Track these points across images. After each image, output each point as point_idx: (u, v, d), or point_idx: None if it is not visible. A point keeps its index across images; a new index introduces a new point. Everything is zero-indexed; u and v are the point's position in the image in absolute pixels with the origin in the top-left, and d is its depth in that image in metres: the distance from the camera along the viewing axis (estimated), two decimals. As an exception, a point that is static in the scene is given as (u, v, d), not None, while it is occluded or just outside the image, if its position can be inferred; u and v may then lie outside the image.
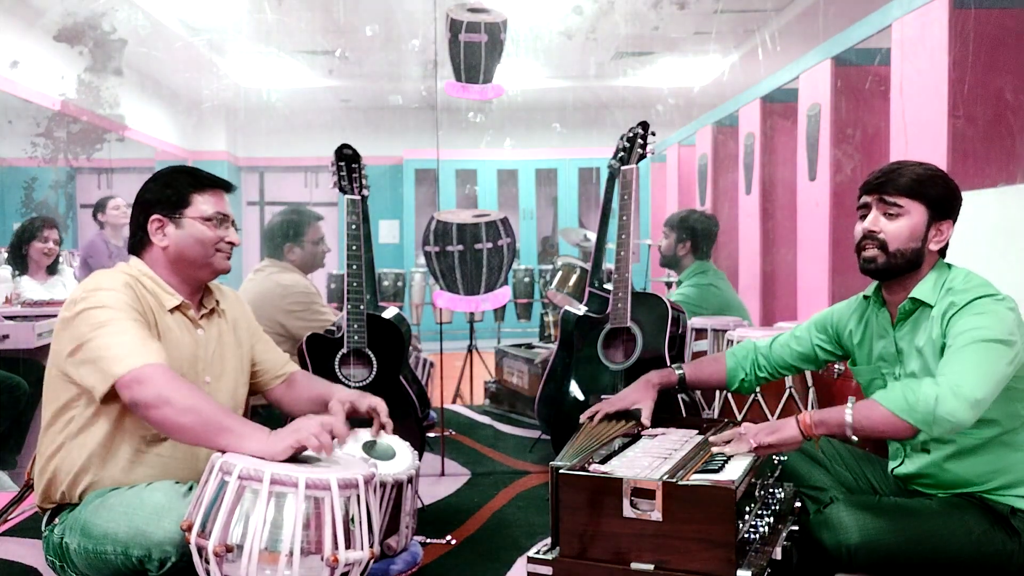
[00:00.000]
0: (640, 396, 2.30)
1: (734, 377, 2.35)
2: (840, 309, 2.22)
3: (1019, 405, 1.91)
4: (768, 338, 2.38)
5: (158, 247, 2.03)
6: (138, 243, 2.06)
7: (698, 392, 3.19)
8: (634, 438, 2.16)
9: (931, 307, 1.95)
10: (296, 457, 1.75)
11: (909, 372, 1.99)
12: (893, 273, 2.00)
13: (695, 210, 4.22)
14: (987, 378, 1.77)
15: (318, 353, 2.89)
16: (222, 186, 2.10)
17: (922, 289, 1.97)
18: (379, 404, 2.12)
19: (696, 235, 4.05)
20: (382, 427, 2.12)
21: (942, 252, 2.01)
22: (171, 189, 2.04)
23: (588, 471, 1.79)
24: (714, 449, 1.94)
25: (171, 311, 2.01)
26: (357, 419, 2.14)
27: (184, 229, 2.02)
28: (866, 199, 2.01)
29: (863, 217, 2.01)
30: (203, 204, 2.04)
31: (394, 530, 2.05)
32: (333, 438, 1.78)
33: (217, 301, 2.15)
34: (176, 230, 2.02)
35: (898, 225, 1.95)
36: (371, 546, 1.65)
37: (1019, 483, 1.92)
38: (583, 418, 2.32)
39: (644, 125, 3.07)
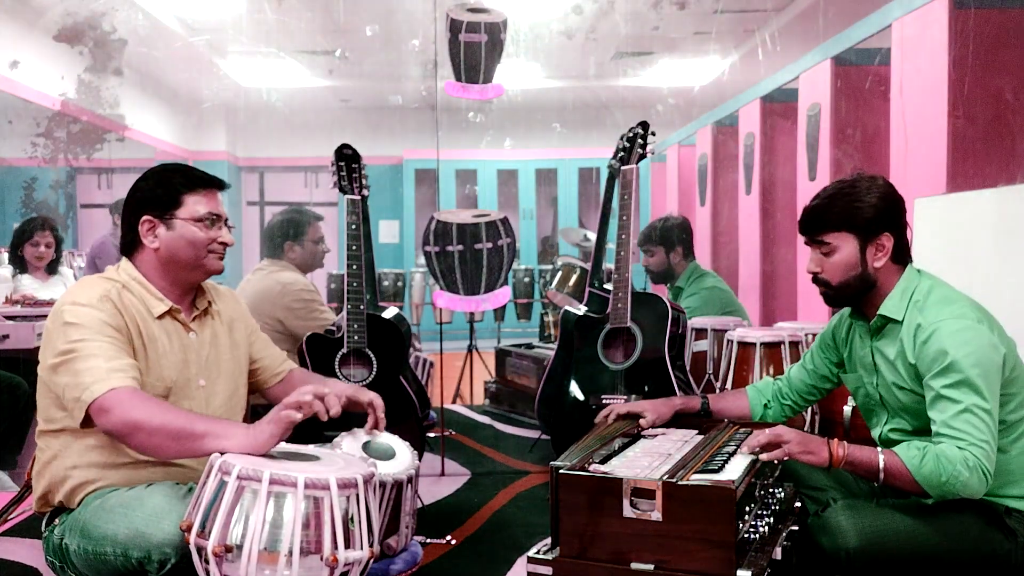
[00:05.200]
0: (654, 407, 2.26)
1: (757, 406, 2.32)
2: (834, 321, 2.24)
3: (1007, 410, 1.92)
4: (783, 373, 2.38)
5: (149, 249, 1.99)
6: (129, 244, 2.02)
7: (698, 392, 3.18)
8: (634, 438, 2.16)
9: (899, 322, 1.98)
10: (296, 455, 1.75)
11: (890, 383, 2.01)
12: (851, 300, 2.06)
13: (667, 217, 4.18)
14: (996, 442, 1.84)
15: (318, 353, 2.89)
16: (215, 185, 2.05)
17: (888, 305, 2.00)
18: (376, 399, 2.09)
19: (683, 239, 4.03)
20: (376, 424, 2.10)
21: (901, 259, 2.02)
22: (162, 189, 1.99)
23: (588, 471, 1.79)
24: (746, 450, 1.93)
25: (159, 317, 1.97)
26: (356, 417, 2.14)
27: (175, 230, 1.98)
28: (803, 239, 2.07)
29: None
30: (195, 204, 1.99)
31: (394, 530, 2.05)
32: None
33: (211, 302, 2.11)
34: (167, 232, 1.98)
35: (832, 261, 2.00)
36: (371, 546, 1.65)
37: (1011, 484, 1.93)
38: (599, 419, 2.29)
39: (644, 125, 3.07)
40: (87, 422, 1.79)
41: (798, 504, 2.03)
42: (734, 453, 1.94)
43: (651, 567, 1.70)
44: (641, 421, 2.22)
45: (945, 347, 1.85)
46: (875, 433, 2.13)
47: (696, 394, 2.38)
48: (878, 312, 2.01)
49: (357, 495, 1.63)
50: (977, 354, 1.83)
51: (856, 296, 2.03)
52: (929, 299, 1.95)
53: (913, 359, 1.93)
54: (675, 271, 4.04)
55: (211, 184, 2.04)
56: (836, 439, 1.91)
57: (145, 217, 1.99)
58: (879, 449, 1.89)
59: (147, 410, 1.76)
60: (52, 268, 4.46)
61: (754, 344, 3.05)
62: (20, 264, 4.38)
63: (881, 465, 1.86)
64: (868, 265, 1.99)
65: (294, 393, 1.78)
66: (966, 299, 1.96)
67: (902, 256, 2.02)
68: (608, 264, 3.18)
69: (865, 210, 1.96)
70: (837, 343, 2.21)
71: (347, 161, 2.97)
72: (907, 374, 1.96)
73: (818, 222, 2.01)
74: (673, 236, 4.01)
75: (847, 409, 2.90)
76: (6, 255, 4.62)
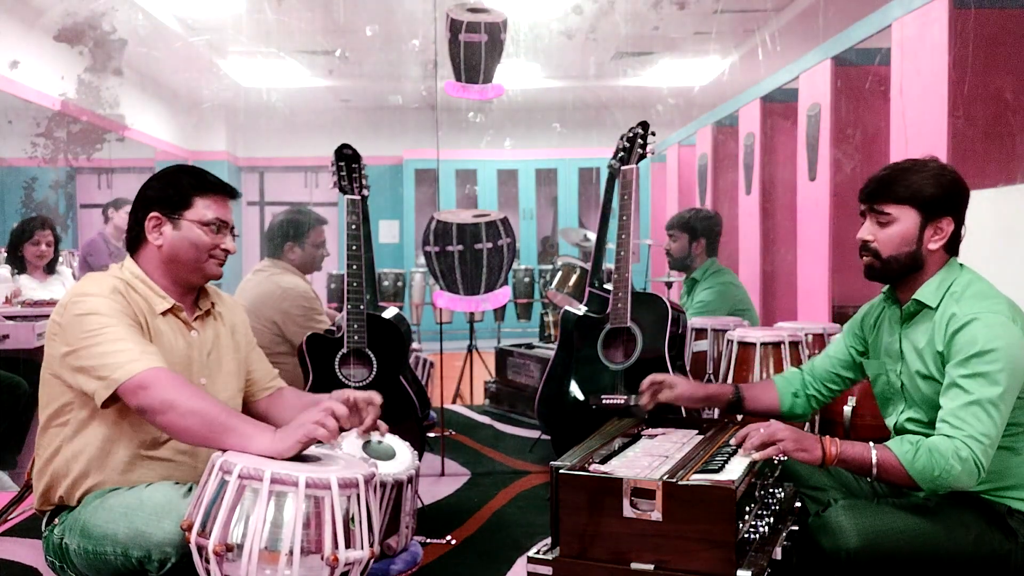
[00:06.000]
0: (687, 386, 2.27)
1: (785, 397, 2.30)
2: (864, 308, 2.23)
3: (1021, 413, 1.91)
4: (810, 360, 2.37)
5: (153, 245, 2.00)
6: (134, 240, 2.04)
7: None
8: (634, 438, 2.16)
9: (934, 309, 1.96)
10: (297, 455, 1.75)
11: (913, 371, 2.00)
12: (893, 277, 2.03)
13: (699, 208, 4.22)
14: (997, 441, 1.83)
15: (318, 353, 2.89)
16: (226, 192, 2.06)
17: (925, 291, 1.99)
18: (374, 396, 2.09)
19: (709, 233, 4.06)
20: (374, 427, 2.10)
21: (952, 248, 2.01)
22: (173, 188, 2.01)
23: (588, 471, 1.79)
24: (741, 451, 1.93)
25: (162, 314, 1.99)
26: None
27: (181, 231, 1.99)
28: (862, 207, 2.04)
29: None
30: (204, 208, 2.01)
31: (394, 530, 2.05)
32: (338, 421, 1.77)
33: (213, 303, 2.13)
34: (173, 231, 1.99)
35: (888, 233, 1.98)
36: (371, 545, 1.65)
37: (1017, 486, 1.93)
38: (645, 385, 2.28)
39: (644, 125, 3.07)
40: (110, 401, 1.80)
41: (798, 504, 2.03)
42: (734, 453, 1.94)
43: (651, 567, 1.70)
44: (665, 393, 2.21)
45: (975, 339, 1.84)
46: (890, 422, 2.12)
47: (731, 384, 2.37)
48: (913, 297, 2.00)
49: (358, 495, 1.64)
50: (1005, 351, 1.82)
51: (899, 274, 2.01)
52: (967, 292, 1.94)
53: (941, 347, 1.91)
54: (694, 262, 4.06)
55: (223, 191, 2.06)
56: (829, 436, 1.92)
57: (153, 214, 2.00)
58: (871, 444, 1.89)
59: (185, 392, 1.77)
60: (51, 268, 4.46)
61: (754, 344, 3.05)
62: (19, 264, 4.38)
63: (874, 460, 1.86)
64: (923, 245, 1.97)
65: (321, 411, 1.76)
66: (1004, 298, 1.95)
67: (954, 247, 2.01)
68: (608, 264, 3.18)
69: (934, 189, 1.95)
70: (864, 329, 2.20)
71: (347, 161, 2.97)
72: (934, 363, 1.94)
73: (884, 191, 1.98)
74: (700, 227, 4.04)
75: (847, 409, 2.90)
76: (5, 255, 4.62)
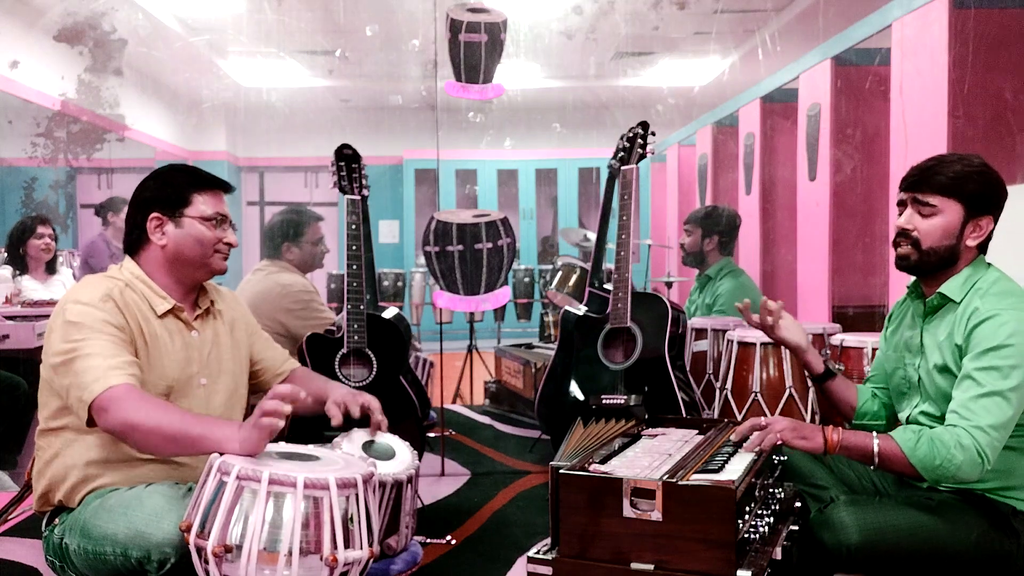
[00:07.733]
0: (798, 334, 2.24)
1: (864, 392, 2.25)
2: (895, 306, 2.23)
3: None
4: None
5: (156, 246, 2.01)
6: (135, 242, 2.04)
7: (698, 392, 3.19)
8: (634, 438, 2.16)
9: (957, 304, 1.96)
10: (295, 455, 1.75)
11: (931, 365, 2.00)
12: (927, 270, 2.02)
13: (719, 205, 4.22)
14: (1006, 435, 1.83)
15: (318, 353, 2.89)
16: (221, 186, 2.09)
17: (951, 286, 1.98)
18: (372, 402, 2.10)
19: (724, 231, 4.05)
20: (378, 425, 2.11)
21: (983, 247, 2.01)
22: (171, 187, 2.03)
23: (588, 471, 1.79)
24: (733, 437, 1.93)
25: (162, 316, 1.99)
26: (355, 418, 2.14)
27: (183, 228, 2.01)
28: (902, 196, 2.02)
29: (901, 213, 2.03)
30: (203, 204, 2.03)
31: (394, 530, 2.05)
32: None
33: (212, 301, 2.13)
34: (175, 229, 2.01)
35: (931, 224, 1.97)
36: (370, 546, 1.65)
37: (1022, 487, 1.93)
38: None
39: (644, 125, 3.07)
40: (92, 421, 1.80)
41: (798, 504, 2.03)
42: (734, 453, 1.94)
43: (651, 567, 1.70)
44: (780, 330, 2.19)
45: (994, 333, 1.84)
46: (903, 416, 2.13)
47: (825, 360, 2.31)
48: (938, 291, 2.00)
49: (356, 495, 1.63)
50: (1022, 348, 1.82)
51: (934, 267, 2.00)
52: (992, 288, 1.93)
53: (960, 340, 1.91)
54: (707, 258, 4.05)
55: (218, 186, 2.08)
56: (831, 426, 1.91)
57: (154, 214, 2.01)
58: (874, 433, 1.90)
59: (143, 410, 1.76)
60: (51, 267, 4.46)
61: (754, 344, 3.05)
62: (20, 264, 4.38)
63: (875, 449, 1.86)
64: (962, 240, 1.97)
65: (267, 400, 1.71)
66: None
67: (985, 246, 2.01)
68: (608, 264, 3.18)
69: (979, 185, 1.94)
70: (888, 328, 2.21)
71: (347, 161, 2.97)
72: (951, 357, 1.94)
73: (931, 182, 1.96)
74: (713, 223, 4.03)
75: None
76: (5, 255, 4.62)
